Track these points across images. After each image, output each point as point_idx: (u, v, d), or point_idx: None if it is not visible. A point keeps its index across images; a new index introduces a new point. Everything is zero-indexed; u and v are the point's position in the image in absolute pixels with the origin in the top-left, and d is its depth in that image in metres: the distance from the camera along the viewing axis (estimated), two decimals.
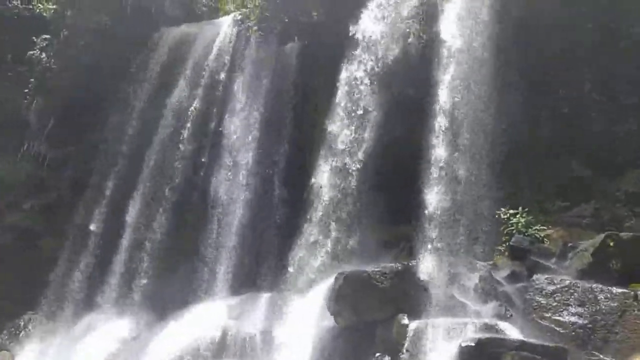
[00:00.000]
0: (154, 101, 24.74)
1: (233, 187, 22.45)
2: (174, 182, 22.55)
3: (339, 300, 15.50)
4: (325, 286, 16.33)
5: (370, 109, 20.25)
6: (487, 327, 13.44)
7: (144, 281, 21.23)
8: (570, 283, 14.03)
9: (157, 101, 24.59)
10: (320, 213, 19.31)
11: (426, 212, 17.72)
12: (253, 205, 21.81)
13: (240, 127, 23.39)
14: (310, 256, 18.64)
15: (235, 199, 22.03)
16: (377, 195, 19.37)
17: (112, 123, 24.66)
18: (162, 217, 22.32)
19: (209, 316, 18.53)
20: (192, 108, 23.69)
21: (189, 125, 23.34)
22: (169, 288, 21.14)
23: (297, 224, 19.67)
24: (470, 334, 13.04)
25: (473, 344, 12.43)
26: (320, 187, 19.72)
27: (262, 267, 21.21)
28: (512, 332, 13.48)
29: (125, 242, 22.30)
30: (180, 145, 23.26)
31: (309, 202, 19.70)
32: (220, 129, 23.66)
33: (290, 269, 18.93)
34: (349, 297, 15.25)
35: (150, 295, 21.02)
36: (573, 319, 13.37)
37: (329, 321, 16.01)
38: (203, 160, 23.15)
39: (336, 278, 15.72)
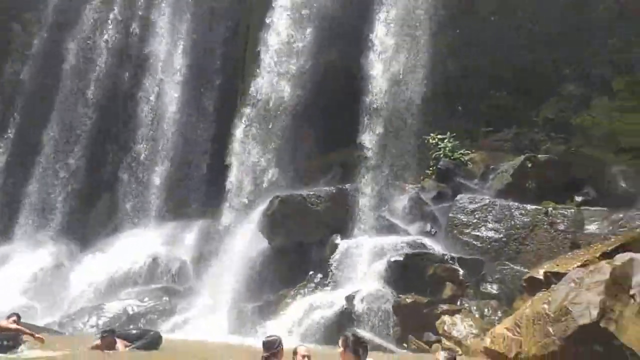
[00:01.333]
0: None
1: (161, 106, 21.36)
2: (89, 107, 20.97)
3: (274, 223, 15.74)
4: (259, 210, 16.47)
5: (305, 35, 19.76)
6: (414, 244, 14.32)
7: (62, 211, 20.23)
8: (490, 201, 15.11)
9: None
10: (254, 134, 19.09)
11: (359, 139, 18.08)
12: (183, 124, 20.85)
13: (167, 50, 21.99)
14: (243, 180, 18.56)
15: (163, 115, 20.96)
16: (311, 123, 19.35)
17: (18, 43, 22.41)
18: (79, 145, 20.97)
19: (137, 244, 18.22)
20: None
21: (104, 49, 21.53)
22: (92, 218, 20.42)
23: (231, 147, 19.36)
24: (398, 250, 13.85)
25: (401, 259, 13.25)
26: (254, 104, 19.33)
27: (193, 193, 20.88)
28: (436, 247, 14.48)
29: (38, 172, 20.89)
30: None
31: (241, 123, 19.34)
32: (145, 51, 22.13)
33: (224, 194, 18.82)
34: (284, 220, 15.54)
35: (70, 225, 20.15)
36: (490, 234, 14.53)
37: (263, 244, 16.33)
38: (127, 83, 21.71)
39: (271, 201, 15.86)
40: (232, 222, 18.05)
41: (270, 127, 19.18)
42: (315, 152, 19.62)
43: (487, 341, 9.39)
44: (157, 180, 20.68)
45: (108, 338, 9.66)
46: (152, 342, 10.25)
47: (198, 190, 20.40)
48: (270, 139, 19.06)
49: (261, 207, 16.39)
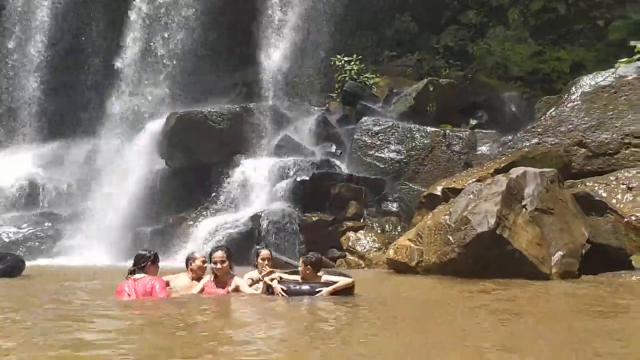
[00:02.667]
0: None
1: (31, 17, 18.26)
2: None
3: (172, 142, 14.66)
4: (154, 128, 15.20)
5: None
6: (320, 164, 14.29)
7: None
8: (393, 124, 15.39)
9: None
10: (147, 49, 17.24)
11: (264, 58, 17.22)
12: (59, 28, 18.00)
13: None
14: (138, 98, 16.92)
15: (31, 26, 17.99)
16: (212, 41, 17.93)
17: None
18: None
19: (10, 166, 16.07)
20: None
21: None
22: None
23: (121, 62, 17.36)
24: (304, 170, 13.74)
25: (307, 178, 13.18)
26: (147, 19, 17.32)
27: (79, 111, 18.63)
28: (341, 167, 14.61)
29: None
30: None
31: (132, 34, 17.29)
32: None
33: (114, 111, 17.06)
34: (183, 139, 14.52)
35: None
36: (392, 155, 14.93)
37: (159, 164, 15.28)
38: None
39: (168, 118, 14.64)
40: (122, 141, 16.54)
41: (168, 44, 17.39)
42: (217, 71, 18.34)
43: (390, 252, 9.74)
44: (31, 94, 18.07)
45: None
46: (9, 269, 8.32)
47: (81, 106, 18.19)
48: (168, 57, 17.35)
49: (155, 125, 15.12)
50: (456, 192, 10.67)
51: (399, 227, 12.86)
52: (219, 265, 5.67)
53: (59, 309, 5.04)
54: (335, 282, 5.77)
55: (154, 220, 13.74)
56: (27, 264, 12.08)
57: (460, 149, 14.51)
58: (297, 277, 6.01)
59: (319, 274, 5.97)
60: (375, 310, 5.25)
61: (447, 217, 8.83)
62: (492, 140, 14.58)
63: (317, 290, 5.68)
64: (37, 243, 13.93)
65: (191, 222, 13.19)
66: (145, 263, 5.33)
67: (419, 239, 9.15)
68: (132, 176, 14.86)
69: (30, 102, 17.79)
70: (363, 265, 11.43)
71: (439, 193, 11.49)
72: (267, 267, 6.08)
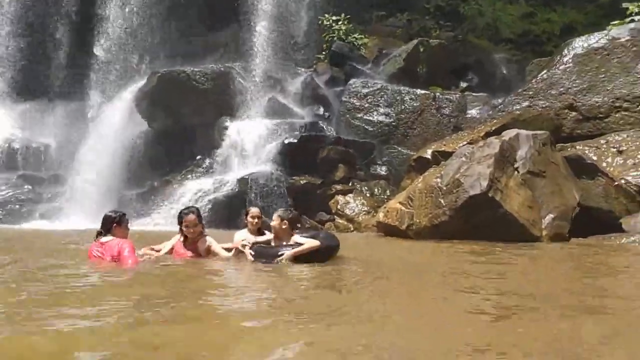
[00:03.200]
0: None
1: None
2: None
3: (153, 102, 14.15)
4: (135, 87, 14.64)
5: None
6: (308, 126, 13.99)
7: None
8: (382, 86, 15.07)
9: None
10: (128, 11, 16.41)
11: (248, 17, 16.55)
12: None
13: None
14: (117, 57, 16.21)
15: None
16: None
17: None
18: None
19: None
20: None
21: None
22: None
23: (97, 16, 16.51)
24: (291, 133, 13.44)
25: (295, 141, 12.90)
26: None
27: (54, 71, 17.82)
28: (329, 130, 14.33)
29: None
30: None
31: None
32: None
33: (92, 73, 16.37)
34: (165, 99, 14.01)
35: None
36: (381, 118, 14.68)
37: (142, 126, 14.81)
38: None
39: (149, 78, 14.05)
40: (102, 101, 15.94)
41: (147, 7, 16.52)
42: (199, 31, 17.61)
43: (380, 216, 9.65)
44: (6, 54, 17.17)
45: None
46: None
47: (59, 65, 17.39)
48: (147, 16, 16.53)
49: (136, 85, 14.55)
50: (446, 155, 10.56)
51: (387, 191, 12.75)
52: (191, 230, 5.43)
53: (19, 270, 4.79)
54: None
55: (138, 184, 13.40)
56: (6, 227, 11.89)
57: (450, 112, 14.31)
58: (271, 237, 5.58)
59: (293, 232, 5.48)
60: (360, 272, 5.13)
61: (438, 180, 8.72)
62: (482, 103, 14.40)
63: (279, 253, 5.20)
64: (17, 206, 13.52)
65: (176, 186, 12.89)
66: (110, 225, 5.10)
67: (410, 202, 9.05)
68: (114, 138, 14.40)
69: (5, 61, 16.91)
70: (352, 229, 11.35)
71: (429, 156, 11.38)
72: (256, 225, 5.86)
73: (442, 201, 8.41)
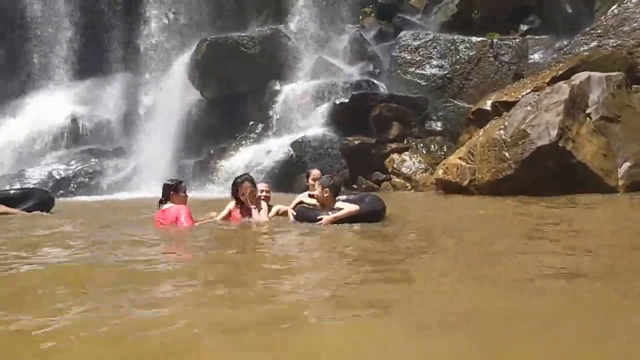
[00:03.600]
0: None
1: None
2: None
3: (204, 71, 14.23)
4: (186, 57, 14.72)
5: None
6: (358, 85, 13.62)
7: None
8: (434, 37, 14.35)
9: None
10: None
11: None
12: None
13: None
14: (164, 30, 16.31)
15: None
16: None
17: None
18: None
19: (51, 105, 16.11)
20: None
21: None
22: None
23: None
24: (342, 92, 13.14)
25: (346, 101, 12.61)
26: None
27: (109, 48, 18.24)
28: (380, 87, 13.90)
29: None
30: None
31: None
32: None
33: (143, 46, 16.60)
34: (215, 67, 14.03)
35: None
36: (434, 70, 14.04)
37: (194, 95, 14.97)
38: None
39: (198, 46, 14.09)
40: (156, 72, 16.20)
41: None
42: None
43: (440, 172, 9.33)
44: (64, 34, 17.70)
45: None
46: (41, 204, 7.33)
47: (112, 40, 17.74)
48: None
49: (186, 55, 14.63)
50: (508, 105, 9.96)
51: (444, 147, 12.31)
52: (246, 196, 5.50)
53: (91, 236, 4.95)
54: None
55: (196, 152, 13.66)
56: (76, 199, 12.57)
57: (510, 58, 13.45)
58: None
59: (336, 199, 5.36)
60: (429, 233, 4.93)
61: (501, 131, 8.26)
62: (545, 46, 13.40)
63: (318, 217, 5.11)
64: (86, 179, 14.17)
65: (232, 152, 13.04)
66: (168, 193, 5.34)
67: (471, 156, 8.66)
68: (170, 109, 14.68)
69: (63, 41, 17.44)
70: (409, 188, 11.10)
71: (489, 108, 10.80)
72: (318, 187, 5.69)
73: (506, 154, 7.98)
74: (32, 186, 11.46)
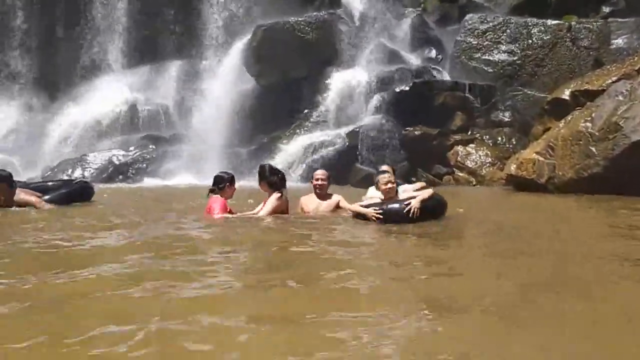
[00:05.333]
0: None
1: None
2: None
3: (259, 57, 13.87)
4: (241, 44, 14.42)
5: None
6: (419, 72, 12.85)
7: (20, 58, 17.73)
8: (504, 20, 13.30)
9: None
10: None
11: None
12: None
13: None
14: (220, 17, 16.06)
15: None
16: None
17: None
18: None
19: (110, 91, 16.33)
20: None
21: None
22: (54, 64, 17.98)
23: None
24: (402, 80, 12.42)
25: (407, 88, 11.90)
26: None
27: (166, 36, 18.28)
28: (443, 74, 13.06)
29: None
30: None
31: None
32: None
33: (199, 33, 16.47)
34: (271, 53, 13.65)
35: (34, 73, 17.86)
36: (503, 57, 13.02)
37: (249, 82, 14.67)
38: None
39: (254, 32, 13.74)
40: (212, 59, 16.03)
41: None
42: None
43: (512, 167, 8.51)
44: (120, 21, 17.90)
45: None
46: (75, 193, 6.69)
47: (168, 28, 17.75)
48: None
49: (242, 41, 14.32)
50: (590, 95, 8.97)
51: (513, 139, 11.40)
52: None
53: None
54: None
55: (249, 140, 13.39)
56: (136, 185, 12.63)
57: (590, 43, 12.25)
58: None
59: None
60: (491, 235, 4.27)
61: (587, 124, 7.36)
62: (630, 30, 12.12)
63: (405, 204, 4.63)
64: (144, 165, 14.23)
65: (285, 141, 12.65)
66: (224, 184, 5.30)
67: (550, 151, 7.80)
68: (225, 96, 14.47)
69: (120, 29, 17.64)
70: (474, 183, 10.32)
71: (568, 97, 9.79)
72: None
73: (593, 149, 7.09)
74: (80, 177, 11.53)
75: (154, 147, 14.65)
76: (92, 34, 18.31)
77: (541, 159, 7.89)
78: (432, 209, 4.75)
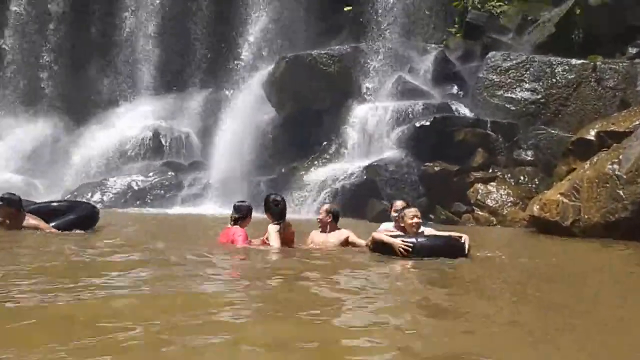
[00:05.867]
0: None
1: None
2: None
3: (281, 88, 14.02)
4: (264, 74, 14.60)
5: None
6: (441, 108, 12.76)
7: (49, 84, 18.25)
8: (527, 58, 13.19)
9: None
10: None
11: None
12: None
13: None
14: (242, 43, 16.38)
15: None
16: None
17: None
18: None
19: (135, 117, 16.68)
20: None
21: None
22: (83, 88, 18.46)
23: (230, 12, 16.81)
24: (423, 115, 12.34)
25: (428, 123, 11.79)
26: None
27: (191, 65, 18.69)
28: (464, 111, 12.94)
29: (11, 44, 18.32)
30: None
31: None
32: None
33: (224, 63, 16.80)
34: (292, 84, 13.76)
35: (61, 98, 18.34)
36: (526, 95, 12.87)
37: (270, 113, 14.78)
38: None
39: (277, 63, 13.93)
40: (235, 91, 16.27)
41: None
42: (323, 12, 17.08)
43: (535, 209, 8.24)
44: (151, 49, 18.40)
45: (5, 209, 5.70)
46: (81, 219, 6.40)
47: (195, 59, 18.16)
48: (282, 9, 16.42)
49: (265, 71, 14.50)
50: (617, 136, 8.73)
51: (536, 179, 11.12)
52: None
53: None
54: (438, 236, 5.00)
55: (268, 170, 13.38)
56: (154, 211, 12.66)
57: (615, 84, 12.03)
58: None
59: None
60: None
61: (615, 166, 7.13)
62: None
63: (462, 242, 4.67)
64: (162, 191, 14.33)
65: (303, 172, 12.59)
66: (244, 215, 5.40)
67: (575, 193, 7.55)
68: (245, 125, 14.59)
69: (148, 59, 18.11)
70: (495, 222, 10.03)
71: (593, 137, 9.54)
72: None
73: (621, 193, 6.84)
74: (85, 199, 11.54)
75: (173, 174, 14.76)
76: (121, 60, 18.83)
77: (566, 200, 7.63)
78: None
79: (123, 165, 15.57)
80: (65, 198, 13.84)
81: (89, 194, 14.19)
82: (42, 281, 3.33)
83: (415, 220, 4.78)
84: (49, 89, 18.52)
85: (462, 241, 4.70)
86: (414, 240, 4.63)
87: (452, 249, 4.66)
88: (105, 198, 14.04)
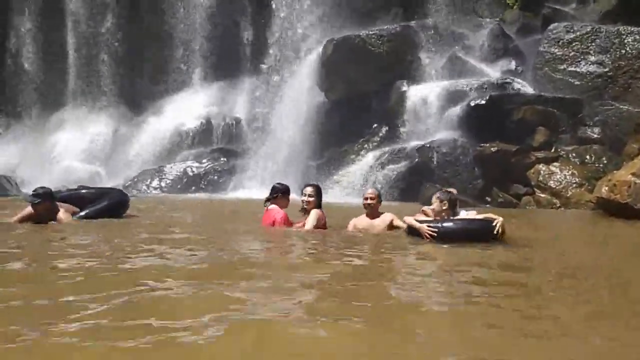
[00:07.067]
0: None
1: None
2: None
3: (329, 71, 13.80)
4: (312, 58, 14.44)
5: None
6: (497, 85, 12.14)
7: (107, 76, 19.00)
8: (593, 28, 12.26)
9: None
10: None
11: None
12: None
13: None
14: (290, 27, 16.23)
15: None
16: None
17: None
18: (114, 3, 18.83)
19: (187, 106, 17.07)
20: None
21: None
22: (139, 81, 19.11)
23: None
24: (479, 93, 11.78)
25: (483, 102, 11.24)
26: None
27: (239, 52, 18.82)
28: (523, 88, 12.25)
29: (71, 40, 19.15)
30: None
31: None
32: None
33: (271, 50, 16.76)
34: (341, 67, 13.51)
35: (119, 90, 19.06)
36: (592, 68, 11.98)
37: (319, 96, 14.64)
38: None
39: (325, 46, 13.70)
40: (283, 74, 16.22)
41: None
42: None
43: (603, 190, 7.67)
44: (200, 37, 18.69)
45: (42, 204, 5.80)
46: (111, 206, 6.43)
47: (242, 45, 18.26)
48: None
49: (313, 55, 14.33)
50: None
51: (604, 158, 10.39)
52: (307, 199, 5.49)
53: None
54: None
55: (318, 154, 13.31)
56: (208, 196, 13.00)
57: None
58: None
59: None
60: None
61: None
62: None
63: (493, 225, 4.57)
64: (215, 177, 14.71)
65: (353, 156, 12.41)
66: (275, 195, 5.61)
67: None
68: (294, 111, 14.56)
69: (201, 48, 18.38)
70: (558, 205, 9.47)
71: None
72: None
73: None
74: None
75: (225, 159, 15.02)
76: (173, 51, 19.22)
77: (638, 181, 7.04)
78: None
79: (178, 152, 16.04)
80: (126, 185, 14.51)
81: (148, 181, 14.78)
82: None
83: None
84: (108, 82, 19.26)
85: (494, 224, 4.60)
86: (439, 225, 4.71)
87: (480, 231, 4.64)
88: (163, 184, 14.59)
